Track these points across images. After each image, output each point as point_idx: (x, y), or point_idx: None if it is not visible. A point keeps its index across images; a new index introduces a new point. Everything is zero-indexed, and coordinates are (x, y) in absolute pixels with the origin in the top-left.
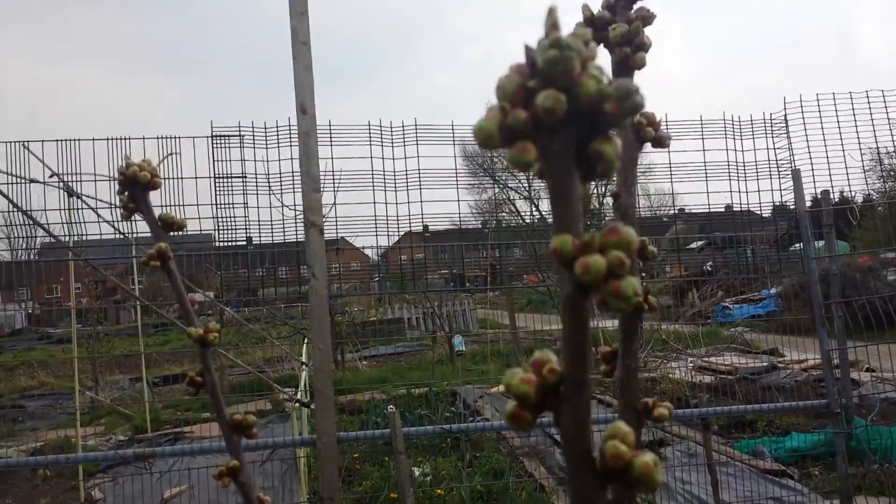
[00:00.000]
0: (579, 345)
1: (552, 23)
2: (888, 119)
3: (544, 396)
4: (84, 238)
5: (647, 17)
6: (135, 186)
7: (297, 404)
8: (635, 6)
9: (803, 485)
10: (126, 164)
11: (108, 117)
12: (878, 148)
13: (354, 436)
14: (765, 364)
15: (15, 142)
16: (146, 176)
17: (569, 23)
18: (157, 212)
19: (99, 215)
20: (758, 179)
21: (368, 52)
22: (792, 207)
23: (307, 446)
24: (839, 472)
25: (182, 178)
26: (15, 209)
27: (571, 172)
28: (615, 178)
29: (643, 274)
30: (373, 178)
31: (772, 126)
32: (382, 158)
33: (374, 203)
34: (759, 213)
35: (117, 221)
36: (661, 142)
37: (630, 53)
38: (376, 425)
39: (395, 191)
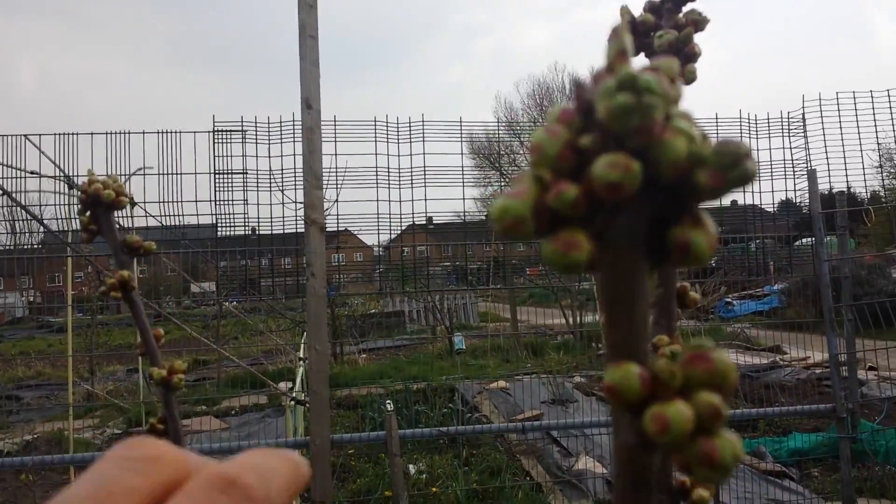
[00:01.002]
0: None
1: (619, 50)
2: None
3: None
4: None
5: (699, 22)
6: (97, 206)
7: (293, 402)
8: (685, 8)
9: (804, 486)
10: (88, 181)
11: (113, 111)
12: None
13: (349, 438)
14: (767, 361)
15: (14, 135)
16: (110, 195)
17: (597, 20)
18: (154, 209)
19: None
20: (772, 179)
21: (374, 44)
22: (799, 203)
23: (300, 447)
24: (843, 478)
25: (182, 173)
26: (14, 203)
27: (639, 268)
28: None
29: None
30: (377, 174)
31: (789, 125)
32: (387, 155)
33: (378, 201)
34: (766, 208)
35: (119, 217)
36: None
37: (679, 65)
38: (373, 421)
39: (400, 188)
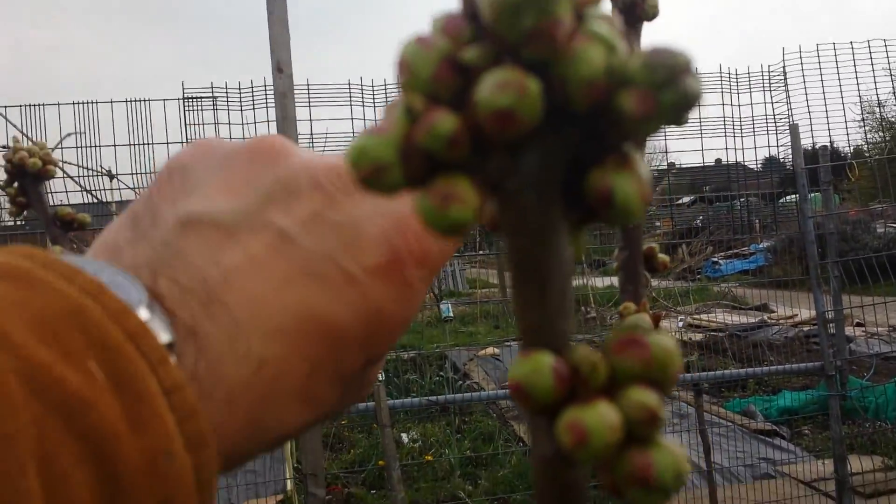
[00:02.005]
0: None
1: None
2: (889, 70)
3: None
4: (58, 205)
5: None
6: (24, 176)
7: None
8: None
9: (795, 444)
10: (12, 149)
11: (81, 81)
12: (877, 98)
13: None
14: (755, 320)
15: None
16: (36, 163)
17: None
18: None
19: (75, 181)
20: (754, 135)
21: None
22: (783, 160)
23: None
24: (833, 436)
25: (153, 143)
26: None
27: (553, 228)
28: None
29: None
30: (354, 139)
31: (770, 79)
32: (364, 119)
33: None
34: (750, 166)
35: (97, 190)
36: None
37: (638, 0)
38: None
39: None
